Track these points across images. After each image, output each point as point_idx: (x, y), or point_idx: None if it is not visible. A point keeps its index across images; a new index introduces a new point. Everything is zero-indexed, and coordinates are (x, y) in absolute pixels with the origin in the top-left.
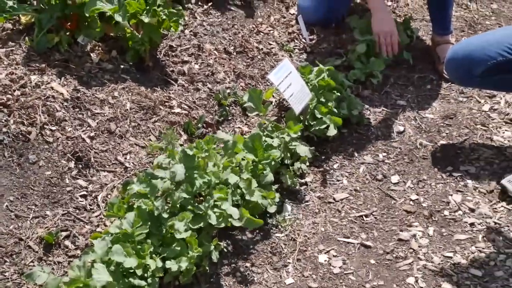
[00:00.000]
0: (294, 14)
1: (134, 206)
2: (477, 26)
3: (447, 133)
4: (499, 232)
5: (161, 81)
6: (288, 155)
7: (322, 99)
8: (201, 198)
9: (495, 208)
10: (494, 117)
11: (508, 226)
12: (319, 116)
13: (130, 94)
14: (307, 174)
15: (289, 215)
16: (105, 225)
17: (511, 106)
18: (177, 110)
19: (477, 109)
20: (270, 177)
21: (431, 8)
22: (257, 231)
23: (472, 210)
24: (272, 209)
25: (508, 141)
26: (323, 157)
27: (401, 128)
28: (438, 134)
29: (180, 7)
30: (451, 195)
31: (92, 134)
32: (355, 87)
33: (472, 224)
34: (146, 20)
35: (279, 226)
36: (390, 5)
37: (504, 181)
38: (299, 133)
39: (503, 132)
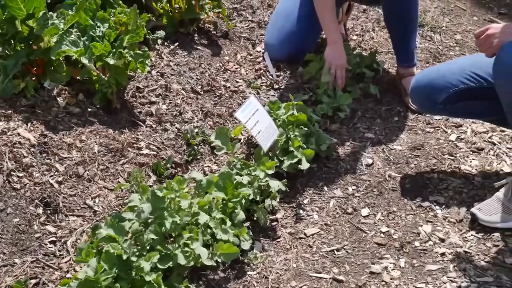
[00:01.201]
0: (260, 51)
1: (103, 250)
2: (442, 57)
3: (415, 164)
4: (470, 261)
5: (129, 123)
6: (259, 192)
7: (291, 135)
8: (172, 239)
9: (465, 237)
10: (461, 146)
11: (478, 254)
12: (291, 149)
13: (98, 137)
14: (278, 210)
15: (260, 252)
16: (75, 271)
17: (478, 135)
18: (146, 151)
19: (444, 139)
20: (241, 215)
21: (394, 42)
22: (229, 270)
23: (443, 240)
24: (246, 246)
25: (476, 169)
26: (293, 193)
27: (370, 161)
28: (406, 165)
29: (146, 48)
30: (421, 225)
31: (60, 179)
32: (323, 122)
33: (443, 254)
34: (112, 62)
35: (251, 264)
36: (355, 39)
37: (473, 210)
38: (273, 169)
39: (471, 161)
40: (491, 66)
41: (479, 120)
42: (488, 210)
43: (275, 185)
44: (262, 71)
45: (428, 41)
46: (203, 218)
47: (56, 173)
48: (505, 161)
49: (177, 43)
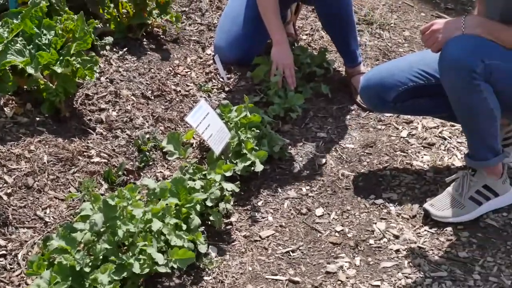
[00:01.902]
0: (211, 54)
1: (55, 262)
2: (391, 54)
3: (368, 162)
4: (424, 256)
5: (79, 131)
6: (213, 196)
7: (243, 137)
8: (126, 247)
9: (419, 233)
10: (413, 142)
11: (432, 249)
12: (244, 152)
13: (47, 146)
14: (232, 214)
15: (216, 256)
16: (27, 284)
17: (428, 131)
18: (97, 159)
19: (395, 135)
20: (196, 220)
21: (335, 44)
22: (185, 276)
23: (397, 237)
24: (201, 250)
25: (428, 165)
26: (247, 196)
27: (323, 160)
28: (359, 163)
29: (94, 54)
30: (375, 223)
31: (9, 191)
32: (275, 123)
33: (397, 251)
34: (59, 70)
35: (207, 269)
36: (305, 39)
37: (426, 205)
38: (231, 172)
39: (422, 157)
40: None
41: (429, 116)
42: (440, 205)
43: (229, 187)
44: (212, 74)
45: (377, 38)
46: (156, 225)
47: (4, 185)
48: (456, 156)
49: (126, 48)
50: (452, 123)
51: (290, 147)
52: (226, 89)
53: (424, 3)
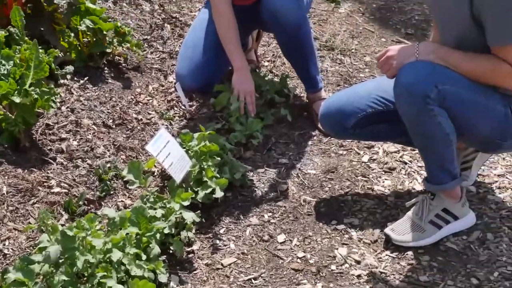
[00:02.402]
0: (172, 82)
1: None
2: (352, 79)
3: (329, 187)
4: (385, 281)
5: (39, 161)
6: (174, 224)
7: (204, 165)
8: (85, 278)
9: (380, 258)
10: (374, 167)
11: (393, 274)
12: (205, 179)
13: (6, 177)
14: (194, 242)
15: (177, 286)
16: None
17: (389, 155)
18: (57, 189)
19: (357, 160)
20: (156, 249)
21: (296, 70)
22: None
23: (358, 262)
24: (162, 280)
25: (389, 190)
26: (209, 223)
27: (285, 187)
28: (321, 189)
29: (52, 85)
30: (337, 248)
31: None
32: (236, 150)
33: (359, 276)
34: (18, 100)
35: None
36: (267, 65)
37: (387, 230)
38: (189, 200)
39: (383, 181)
40: None
41: (389, 142)
42: (401, 229)
43: (189, 217)
44: (174, 101)
45: (338, 64)
46: (116, 255)
47: None
48: (417, 180)
49: (87, 77)
50: (412, 148)
51: (251, 173)
52: (188, 116)
53: (385, 29)
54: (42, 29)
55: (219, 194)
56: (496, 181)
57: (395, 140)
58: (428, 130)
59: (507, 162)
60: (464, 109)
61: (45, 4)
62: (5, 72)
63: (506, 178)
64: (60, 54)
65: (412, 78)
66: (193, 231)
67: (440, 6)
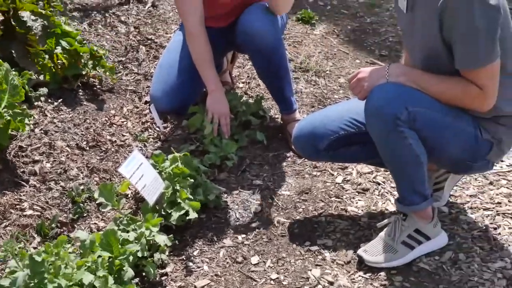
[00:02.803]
0: (147, 103)
1: None
2: (327, 100)
3: (303, 209)
4: None
5: (12, 184)
6: (146, 248)
7: (178, 187)
8: None
9: (353, 279)
10: (348, 188)
11: None
12: (178, 201)
13: None
14: (167, 264)
15: None
16: None
17: (363, 176)
18: (29, 212)
19: (330, 181)
20: (129, 272)
21: (270, 91)
22: None
23: (331, 283)
24: None
25: (362, 210)
26: (182, 245)
27: (259, 208)
28: (295, 210)
29: (25, 107)
30: (310, 270)
31: None
32: (211, 172)
33: None
34: None
35: None
36: (242, 87)
37: (360, 251)
38: (157, 227)
39: (357, 202)
40: None
41: (362, 163)
42: (374, 250)
43: (161, 240)
44: (149, 123)
45: (313, 85)
46: (87, 278)
47: None
48: (390, 200)
49: (61, 99)
50: (385, 169)
51: (225, 195)
52: (162, 138)
53: (359, 50)
54: (14, 51)
55: (192, 215)
56: (468, 202)
57: (368, 161)
58: (398, 151)
59: (479, 182)
60: (434, 131)
61: (16, 27)
62: None
63: (478, 198)
64: (34, 76)
65: (382, 100)
66: (167, 253)
67: (411, 28)
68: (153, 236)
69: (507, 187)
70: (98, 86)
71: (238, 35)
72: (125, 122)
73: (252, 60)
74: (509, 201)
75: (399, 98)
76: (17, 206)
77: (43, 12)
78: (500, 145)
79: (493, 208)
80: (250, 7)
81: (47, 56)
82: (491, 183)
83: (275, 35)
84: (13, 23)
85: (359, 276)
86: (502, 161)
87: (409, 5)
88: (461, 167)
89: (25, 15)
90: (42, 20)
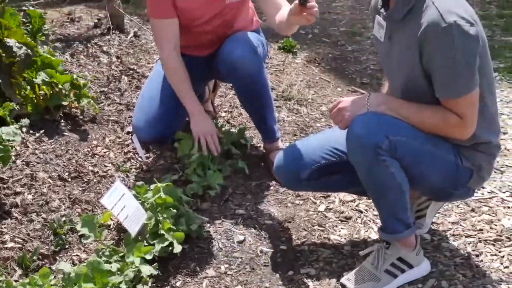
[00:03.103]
0: (129, 133)
1: None
2: (309, 129)
3: (286, 237)
4: None
5: None
6: (129, 279)
7: (160, 217)
8: None
9: None
10: (330, 216)
11: None
12: (161, 232)
13: None
14: None
15: None
16: None
17: (345, 204)
18: (10, 244)
19: (313, 210)
20: None
21: (253, 120)
22: None
23: None
24: None
25: (345, 239)
26: (165, 276)
27: (241, 238)
28: (277, 239)
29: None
30: None
31: None
32: (193, 201)
33: None
34: None
35: None
36: (224, 116)
37: (343, 280)
38: (151, 255)
39: (340, 231)
40: None
41: (344, 192)
42: (357, 279)
43: (147, 270)
44: (131, 153)
45: (295, 114)
46: None
47: None
48: (372, 228)
49: (43, 130)
50: (368, 197)
51: (208, 225)
52: (145, 168)
53: (340, 79)
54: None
55: (177, 248)
56: (450, 229)
57: (350, 190)
58: (380, 180)
59: (460, 209)
60: (415, 159)
61: (3, 55)
62: None
63: (460, 225)
64: (16, 107)
65: (363, 130)
66: (149, 284)
67: (389, 56)
68: (137, 267)
69: (488, 214)
70: (80, 117)
71: (221, 64)
72: (107, 153)
73: (235, 89)
74: (490, 228)
75: (380, 127)
76: None
77: (28, 40)
78: (480, 172)
79: (475, 235)
80: (233, 35)
81: (28, 87)
82: (472, 210)
83: (258, 64)
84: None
85: None
86: (483, 187)
87: (387, 35)
88: (442, 195)
89: (11, 42)
90: (26, 48)
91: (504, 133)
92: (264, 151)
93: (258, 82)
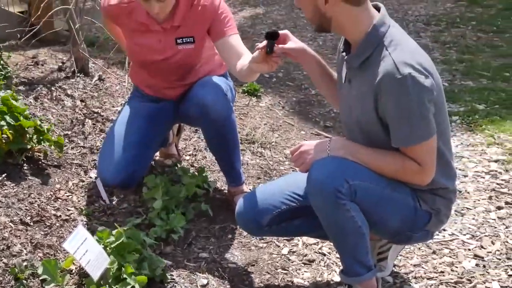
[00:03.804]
0: (93, 177)
1: None
2: (272, 172)
3: (249, 281)
4: None
5: None
6: None
7: (123, 262)
8: None
9: None
10: (294, 259)
11: None
12: (124, 276)
13: None
14: None
15: None
16: None
17: (309, 247)
18: None
19: (277, 253)
20: None
21: (220, 164)
22: None
23: None
24: None
25: (308, 282)
26: None
27: (205, 281)
28: (241, 282)
29: None
30: None
31: None
32: (157, 245)
33: None
34: None
35: None
36: (188, 159)
37: None
38: None
39: (303, 274)
40: None
41: (306, 236)
42: None
43: None
44: (94, 197)
45: (258, 157)
46: None
47: None
48: (335, 271)
49: (5, 174)
50: (329, 241)
51: (172, 269)
52: (108, 212)
53: (304, 122)
54: None
55: None
56: (412, 271)
57: (311, 234)
58: (341, 223)
59: (422, 251)
60: (374, 203)
61: None
62: None
63: (422, 267)
64: None
65: (323, 174)
66: None
67: (348, 99)
68: None
69: (449, 256)
70: (43, 160)
71: (192, 108)
72: (70, 196)
73: (204, 133)
74: (452, 270)
75: (339, 172)
76: None
77: None
78: (439, 215)
79: (437, 277)
80: (202, 80)
81: None
82: (434, 252)
83: (228, 108)
84: None
85: None
86: (444, 230)
87: (347, 77)
88: (401, 238)
89: None
90: None
91: (465, 176)
92: (228, 194)
93: (228, 126)
